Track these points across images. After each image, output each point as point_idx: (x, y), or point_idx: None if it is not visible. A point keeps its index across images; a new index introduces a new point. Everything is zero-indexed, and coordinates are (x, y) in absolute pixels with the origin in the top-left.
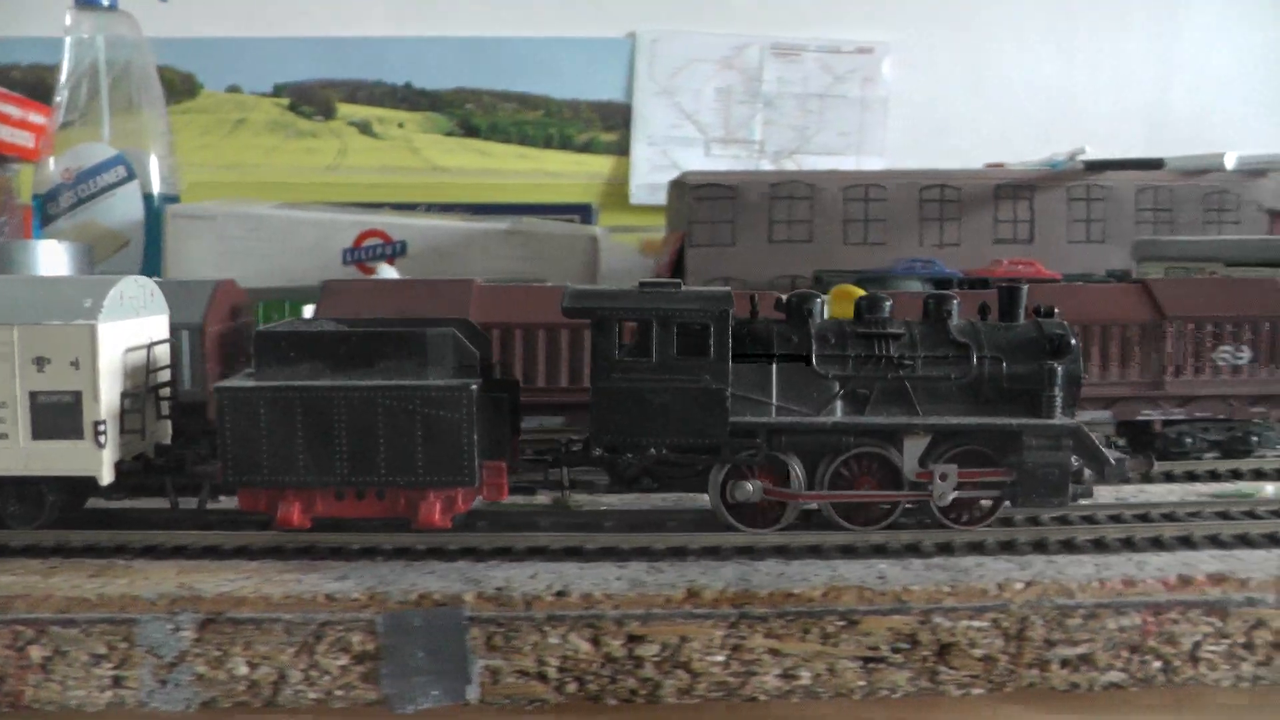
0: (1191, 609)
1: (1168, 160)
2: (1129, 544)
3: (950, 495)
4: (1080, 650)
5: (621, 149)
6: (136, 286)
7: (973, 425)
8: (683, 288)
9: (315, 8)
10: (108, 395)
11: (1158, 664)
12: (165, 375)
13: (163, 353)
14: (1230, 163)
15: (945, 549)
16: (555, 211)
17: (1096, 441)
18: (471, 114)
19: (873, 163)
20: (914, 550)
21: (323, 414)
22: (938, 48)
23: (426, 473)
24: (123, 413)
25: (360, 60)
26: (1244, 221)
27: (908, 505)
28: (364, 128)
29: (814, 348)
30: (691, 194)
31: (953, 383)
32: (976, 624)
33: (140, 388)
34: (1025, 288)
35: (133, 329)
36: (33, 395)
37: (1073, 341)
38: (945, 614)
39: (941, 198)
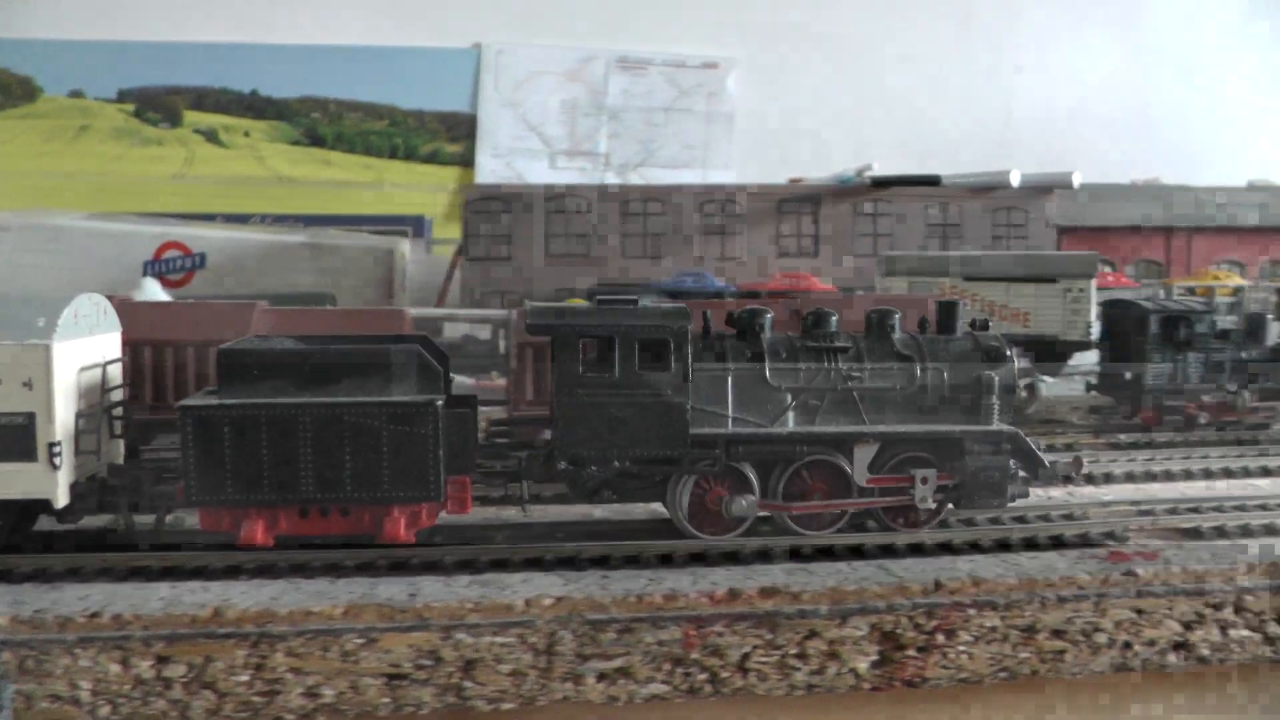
0: (739, 622)
1: (951, 178)
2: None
3: (930, 498)
4: (616, 664)
5: (466, 160)
6: (90, 304)
7: (920, 433)
8: (640, 304)
9: (160, 11)
10: (63, 416)
11: (704, 675)
12: (118, 394)
13: (115, 371)
14: (1015, 180)
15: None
16: (386, 223)
17: (1032, 445)
18: (317, 123)
19: (719, 176)
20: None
21: (288, 431)
22: (784, 63)
23: (392, 488)
24: (78, 433)
25: (207, 66)
26: (1032, 237)
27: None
28: (211, 136)
29: (767, 361)
30: (467, 207)
31: (898, 393)
32: (501, 640)
33: (95, 407)
34: (961, 303)
35: (86, 348)
36: None
37: (1007, 352)
38: (469, 630)
39: (723, 212)
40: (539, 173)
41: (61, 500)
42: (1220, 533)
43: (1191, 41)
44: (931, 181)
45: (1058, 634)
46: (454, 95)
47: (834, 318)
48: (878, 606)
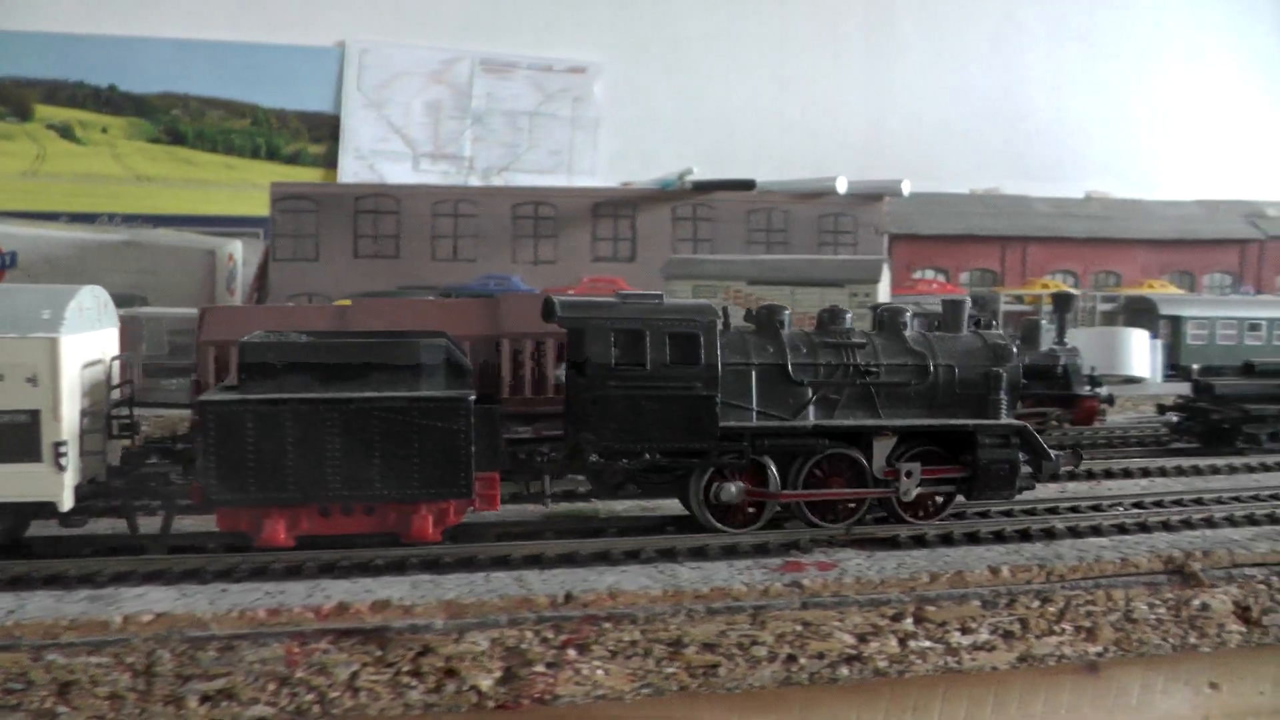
0: (346, 637)
1: (776, 184)
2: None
3: (915, 490)
4: (218, 684)
5: (329, 162)
6: (92, 297)
7: (937, 426)
8: (664, 300)
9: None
10: (69, 414)
11: (310, 695)
12: (117, 393)
13: (116, 369)
14: (842, 187)
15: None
16: (243, 224)
17: (1040, 440)
18: (178, 120)
19: (584, 182)
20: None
21: (315, 427)
22: (651, 70)
23: (423, 486)
24: (82, 433)
25: (61, 58)
26: (861, 243)
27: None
28: (64, 131)
29: (789, 357)
30: (274, 206)
31: (911, 388)
32: (97, 660)
33: (100, 405)
34: (966, 301)
35: (90, 342)
36: None
37: (1014, 350)
38: (62, 650)
39: (536, 214)
40: (402, 175)
41: (67, 503)
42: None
43: (1060, 57)
44: (746, 186)
45: (709, 648)
46: (317, 95)
47: (848, 315)
48: (498, 620)
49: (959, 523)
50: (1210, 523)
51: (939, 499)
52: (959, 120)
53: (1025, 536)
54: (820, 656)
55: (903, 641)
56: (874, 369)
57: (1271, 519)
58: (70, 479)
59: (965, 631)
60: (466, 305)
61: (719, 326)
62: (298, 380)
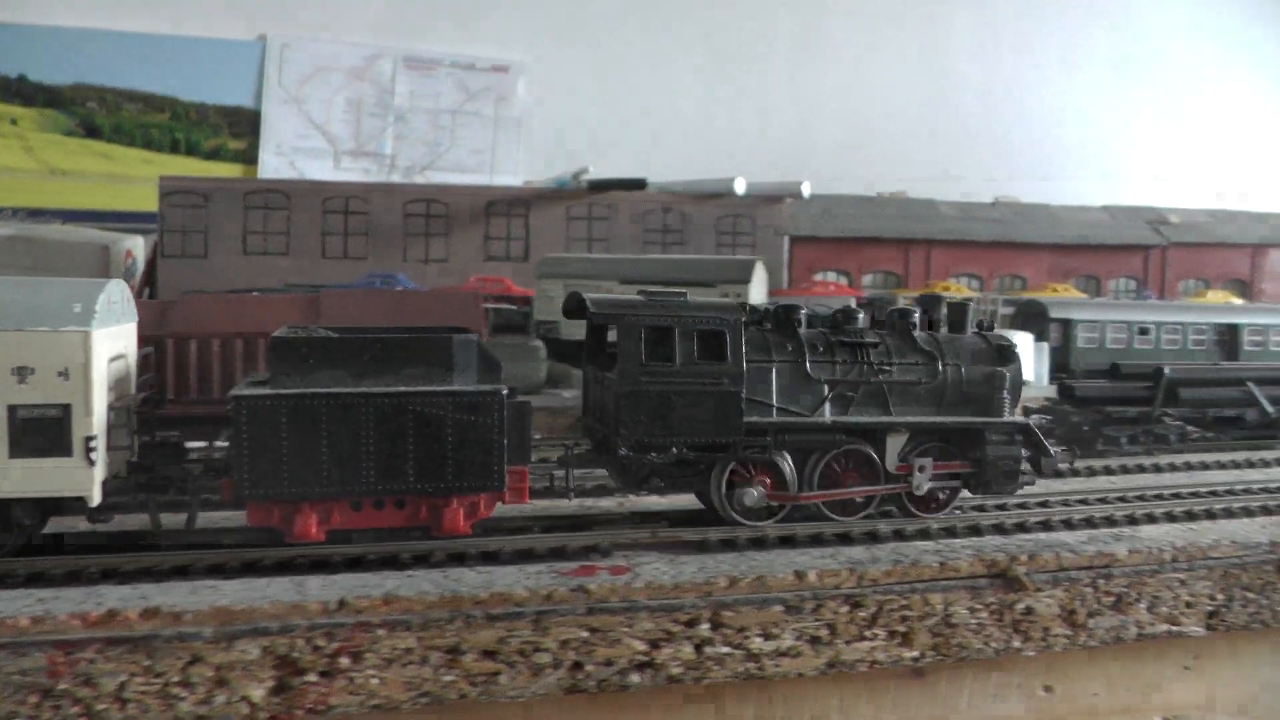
0: (114, 646)
1: (674, 184)
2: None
3: (927, 485)
4: None
5: (250, 158)
6: (119, 291)
7: (949, 424)
8: (689, 297)
9: None
10: (99, 408)
11: (76, 709)
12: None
13: (142, 363)
14: (740, 188)
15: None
16: (141, 220)
17: (1041, 437)
18: (94, 113)
19: (506, 182)
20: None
21: (349, 421)
22: (576, 69)
23: (456, 479)
24: (110, 427)
25: None
26: (760, 245)
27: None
28: None
29: (807, 355)
30: (163, 201)
31: (921, 386)
32: None
33: (124, 400)
34: (971, 303)
35: (115, 337)
36: (11, 409)
37: (1017, 350)
38: None
39: (428, 213)
40: (323, 173)
41: (97, 498)
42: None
43: (989, 62)
44: (636, 185)
45: (490, 655)
46: (238, 89)
47: (860, 315)
48: (270, 628)
49: (781, 525)
50: (1047, 525)
51: (943, 494)
52: (887, 124)
53: (846, 540)
54: (609, 664)
55: (699, 647)
56: (887, 368)
57: (1109, 522)
58: (99, 474)
59: (768, 637)
60: (284, 301)
61: (744, 325)
62: (330, 375)
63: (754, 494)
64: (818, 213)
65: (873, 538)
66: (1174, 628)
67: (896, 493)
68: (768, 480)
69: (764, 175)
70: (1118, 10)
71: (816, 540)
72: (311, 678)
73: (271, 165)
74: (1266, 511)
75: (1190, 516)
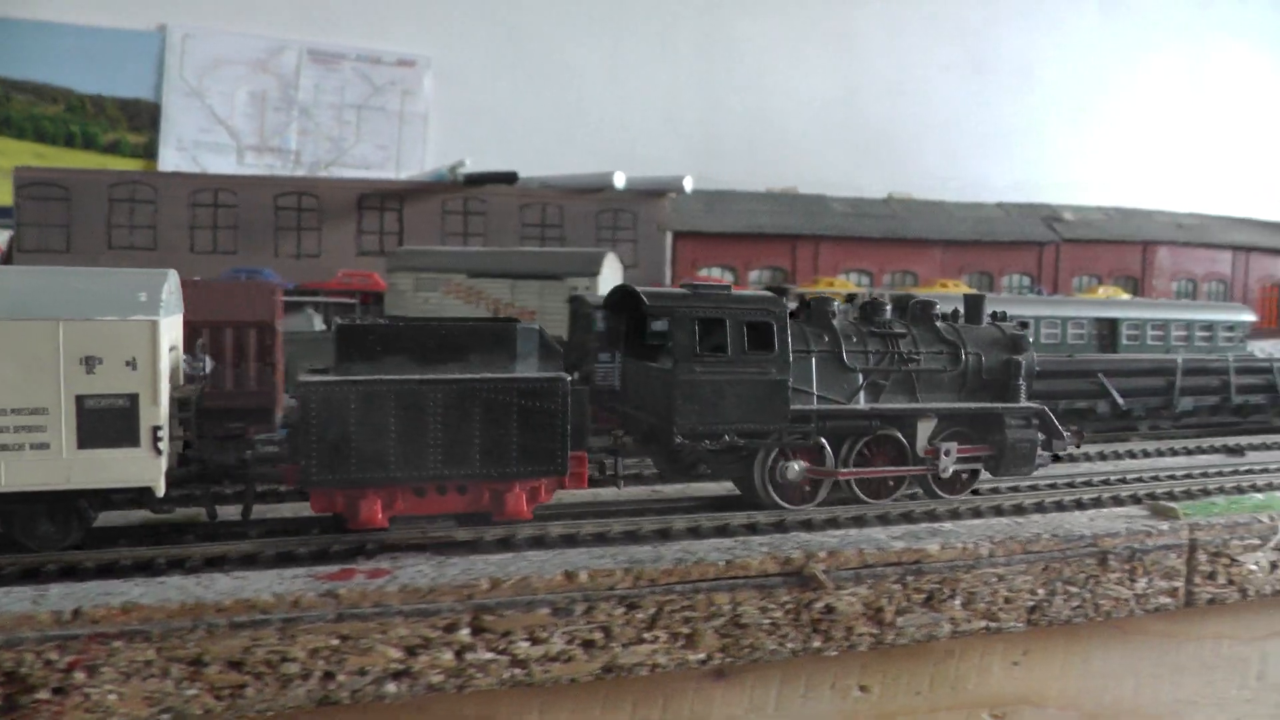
0: None
1: (552, 178)
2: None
3: (953, 467)
4: None
5: (150, 152)
6: (174, 281)
7: (973, 409)
8: (733, 290)
9: None
10: (164, 398)
11: None
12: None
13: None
14: (619, 182)
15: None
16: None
17: (1055, 421)
18: None
19: (410, 176)
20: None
21: (418, 407)
22: (483, 64)
23: (521, 464)
24: (172, 417)
25: None
26: (642, 240)
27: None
28: None
29: (843, 345)
30: (18, 193)
31: (945, 374)
32: None
33: (188, 389)
34: (984, 296)
35: (173, 326)
36: (79, 399)
37: (1029, 340)
38: None
39: (299, 206)
40: (225, 168)
41: (163, 488)
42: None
43: (899, 62)
44: (508, 179)
45: (235, 666)
46: (136, 81)
47: (888, 307)
48: None
49: (576, 522)
50: (860, 521)
51: (965, 476)
52: (796, 121)
53: (633, 538)
54: (362, 673)
55: (459, 654)
56: (915, 357)
57: (930, 516)
58: (164, 464)
59: (535, 641)
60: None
61: (788, 316)
62: (395, 362)
63: (795, 468)
64: (703, 208)
65: (663, 536)
66: (992, 624)
67: (923, 474)
68: (806, 463)
69: (674, 170)
70: (1027, 15)
71: (602, 539)
72: (43, 695)
73: (173, 160)
74: (1097, 504)
75: (1019, 510)
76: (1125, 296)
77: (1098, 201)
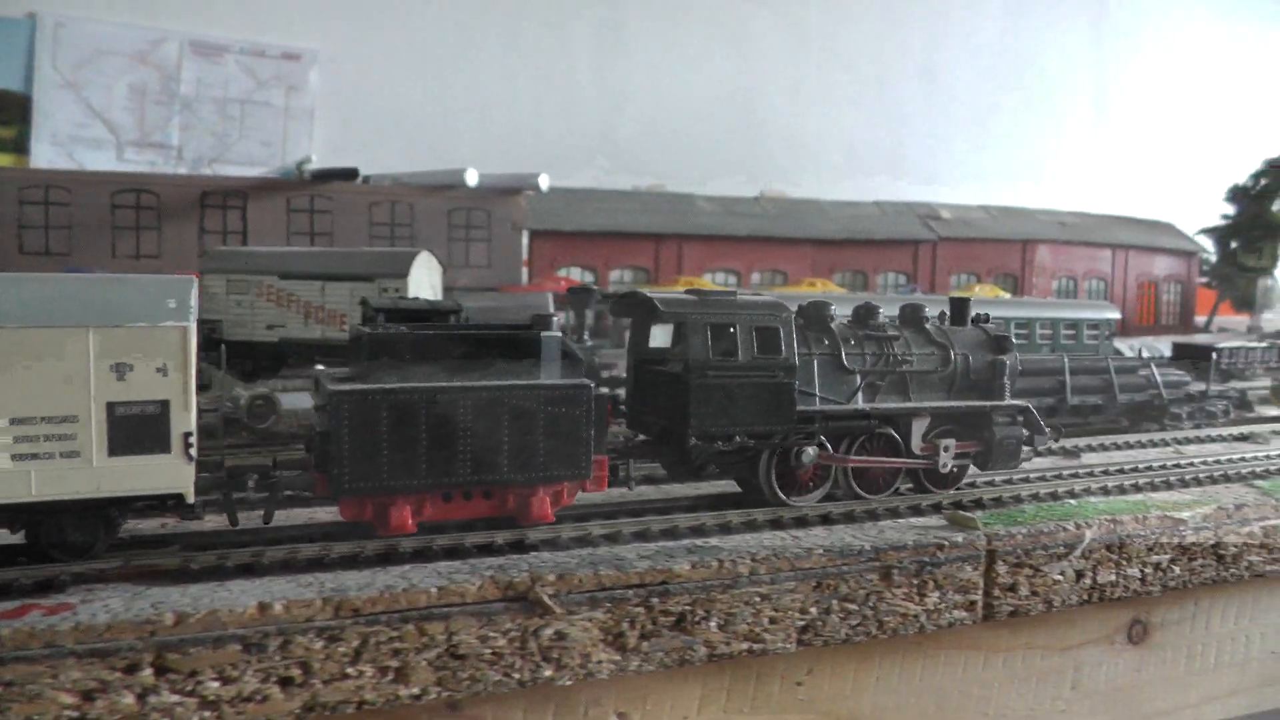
0: None
1: (400, 175)
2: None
3: (951, 463)
4: None
5: (20, 147)
6: (196, 287)
7: (964, 408)
8: (739, 296)
9: None
10: (194, 404)
11: None
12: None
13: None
14: (472, 179)
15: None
16: None
17: (1039, 418)
18: None
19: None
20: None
21: (447, 415)
22: (371, 59)
23: (547, 468)
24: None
25: None
26: (496, 239)
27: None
28: None
29: (842, 348)
30: None
31: (936, 374)
32: None
33: (212, 396)
34: (969, 299)
35: (196, 332)
36: (110, 406)
37: (1011, 340)
38: None
39: (138, 204)
40: (104, 164)
41: (193, 495)
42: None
43: (799, 63)
44: (348, 175)
45: None
46: (5, 71)
47: (881, 310)
48: None
49: (237, 551)
50: (614, 539)
51: (955, 470)
52: (694, 121)
53: (320, 565)
54: None
55: (141, 697)
56: (909, 358)
57: (696, 531)
58: (194, 471)
59: (225, 681)
60: None
61: (793, 321)
62: (424, 370)
63: (810, 452)
64: (562, 206)
65: (352, 561)
66: (756, 645)
67: (915, 470)
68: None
69: (573, 171)
70: (930, 18)
71: (286, 566)
72: None
73: (46, 155)
74: (894, 515)
75: (801, 524)
76: (1005, 295)
77: (1003, 201)
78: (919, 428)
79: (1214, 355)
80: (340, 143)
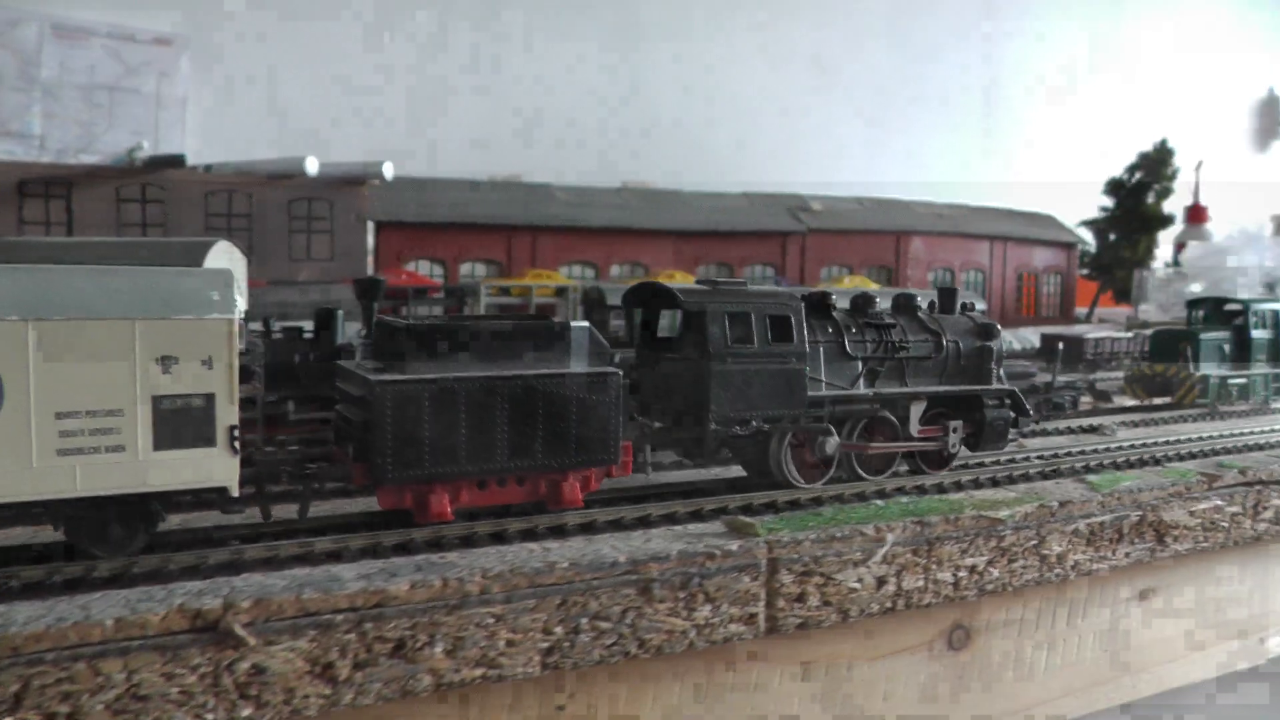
0: None
1: (239, 164)
2: None
3: (959, 445)
4: None
5: None
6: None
7: (959, 391)
8: (749, 286)
9: None
10: (237, 397)
11: None
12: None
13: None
14: (312, 168)
15: None
16: None
17: (1024, 401)
18: None
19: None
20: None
21: (486, 404)
22: (247, 45)
23: (579, 454)
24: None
25: None
26: (339, 231)
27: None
28: None
29: (845, 336)
30: None
31: (930, 360)
32: None
33: (251, 388)
34: (956, 289)
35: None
36: (156, 400)
37: (998, 327)
38: None
39: None
40: None
41: (237, 488)
42: None
43: (685, 51)
44: (174, 163)
45: None
46: None
47: (878, 299)
48: None
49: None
50: (336, 557)
51: (947, 453)
52: (576, 114)
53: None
54: None
55: None
56: (905, 345)
57: (433, 545)
58: (238, 463)
59: None
60: None
61: (803, 310)
62: (460, 360)
63: (833, 442)
64: (411, 196)
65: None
66: (493, 670)
67: (919, 451)
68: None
69: (446, 166)
70: (818, 11)
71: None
72: None
73: None
74: (671, 521)
75: (559, 533)
76: (875, 288)
77: (894, 193)
78: (917, 411)
79: (1059, 345)
80: (216, 132)
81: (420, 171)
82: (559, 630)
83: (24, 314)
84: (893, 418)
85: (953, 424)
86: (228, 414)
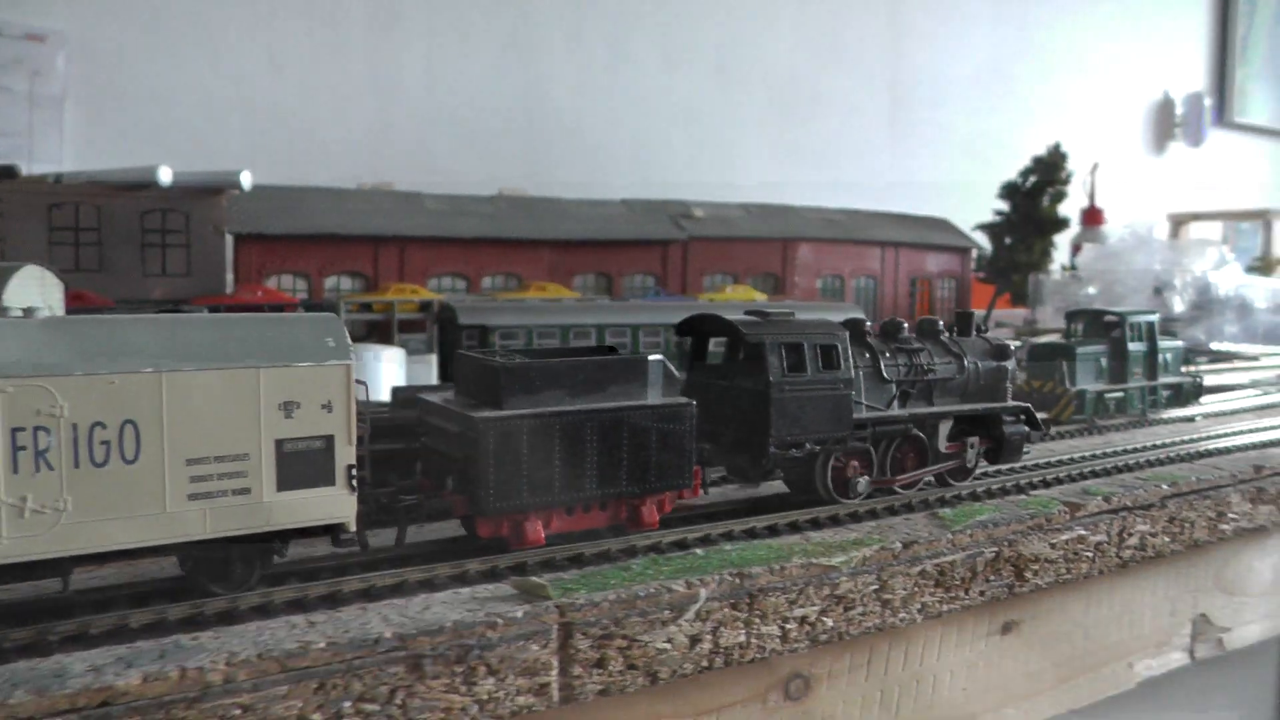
0: None
1: (85, 173)
2: None
3: (979, 460)
4: None
5: None
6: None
7: (982, 410)
8: (797, 316)
9: None
10: (355, 436)
11: None
12: None
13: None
14: (166, 177)
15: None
16: None
17: (1036, 415)
18: None
19: (47, 169)
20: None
21: (578, 436)
22: (127, 43)
23: (657, 480)
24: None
25: None
26: (196, 244)
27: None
28: None
29: (881, 361)
30: None
31: (954, 381)
32: None
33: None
34: (976, 313)
35: None
36: (279, 443)
37: (1012, 348)
38: None
39: None
40: None
41: (354, 524)
42: None
43: (583, 57)
44: (8, 174)
45: None
46: None
47: (905, 324)
48: None
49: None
50: (88, 640)
51: (968, 466)
52: (473, 117)
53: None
54: None
55: None
56: (933, 367)
57: (191, 624)
58: (355, 500)
59: None
60: None
61: (849, 339)
62: (552, 395)
63: (864, 481)
64: (273, 207)
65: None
66: None
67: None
68: (857, 464)
69: (343, 173)
70: (721, 13)
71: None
72: None
73: None
74: (462, 582)
75: (333, 601)
76: (761, 297)
77: (799, 198)
78: (944, 429)
79: None
80: (95, 136)
81: (301, 180)
82: (317, 717)
83: (158, 366)
84: (923, 435)
85: (971, 440)
86: (346, 454)
